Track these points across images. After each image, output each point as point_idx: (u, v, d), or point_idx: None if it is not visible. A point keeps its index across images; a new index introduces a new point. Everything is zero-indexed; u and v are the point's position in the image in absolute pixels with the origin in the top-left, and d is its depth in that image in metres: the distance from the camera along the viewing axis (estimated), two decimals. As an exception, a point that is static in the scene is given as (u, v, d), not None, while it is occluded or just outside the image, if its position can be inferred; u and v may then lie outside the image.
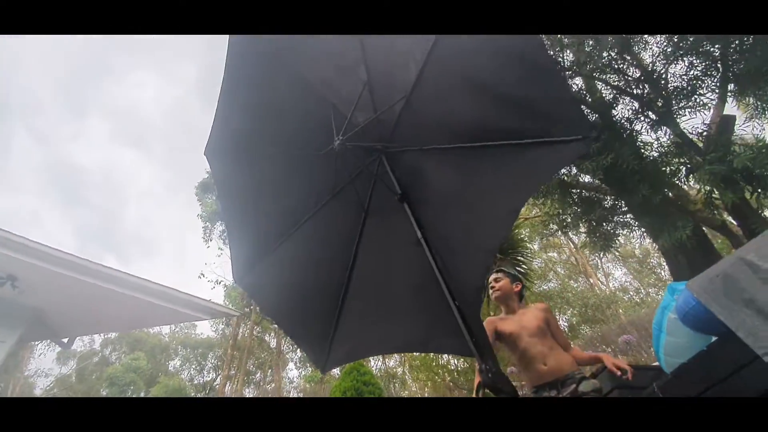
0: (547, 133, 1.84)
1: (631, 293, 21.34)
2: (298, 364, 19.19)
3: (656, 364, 2.37)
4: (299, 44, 2.86)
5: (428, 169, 2.62)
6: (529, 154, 1.88)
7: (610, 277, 23.01)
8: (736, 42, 3.05)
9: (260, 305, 3.62)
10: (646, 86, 3.57)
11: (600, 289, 20.65)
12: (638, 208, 3.42)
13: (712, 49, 3.11)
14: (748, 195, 2.96)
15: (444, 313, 2.04)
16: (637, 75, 3.89)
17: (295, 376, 21.80)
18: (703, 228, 3.53)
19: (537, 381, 2.10)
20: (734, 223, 3.42)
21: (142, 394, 17.29)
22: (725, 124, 3.91)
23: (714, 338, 1.61)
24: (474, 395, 2.03)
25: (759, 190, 2.68)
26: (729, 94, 3.32)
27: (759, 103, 3.17)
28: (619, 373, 1.88)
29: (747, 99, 3.32)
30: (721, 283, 1.35)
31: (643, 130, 3.71)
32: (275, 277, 3.10)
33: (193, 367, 25.62)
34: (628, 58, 3.68)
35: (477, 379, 2.09)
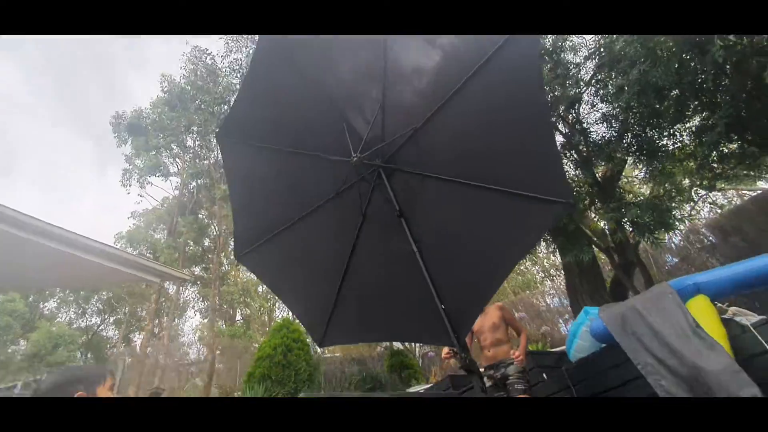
0: (538, 190, 2.45)
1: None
2: (204, 313, 18.71)
3: (558, 349, 3.45)
4: (324, 50, 3.15)
5: (426, 193, 3.14)
6: (521, 206, 2.50)
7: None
8: (644, 121, 4.19)
9: (263, 281, 3.95)
10: (575, 132, 4.62)
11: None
12: (554, 230, 4.55)
13: (631, 121, 4.23)
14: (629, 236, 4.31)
15: (429, 312, 2.72)
16: (570, 119, 4.94)
17: (197, 324, 21.24)
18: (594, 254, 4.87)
19: (484, 363, 2.97)
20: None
21: (21, 342, 15.40)
22: (618, 168, 5.21)
23: (603, 345, 2.60)
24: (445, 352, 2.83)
25: (640, 235, 3.92)
26: (629, 158, 4.57)
27: (649, 172, 4.43)
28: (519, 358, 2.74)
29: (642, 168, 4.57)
30: (621, 320, 2.28)
31: (567, 167, 4.81)
32: (277, 258, 3.49)
33: (72, 310, 23.23)
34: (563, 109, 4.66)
35: (447, 354, 2.85)
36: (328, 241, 3.47)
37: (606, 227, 4.46)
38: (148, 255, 18.04)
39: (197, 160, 14.69)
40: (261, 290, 25.04)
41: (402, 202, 3.14)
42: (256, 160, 3.58)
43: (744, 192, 6.59)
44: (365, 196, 3.33)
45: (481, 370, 3.04)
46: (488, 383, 2.76)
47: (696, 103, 4.12)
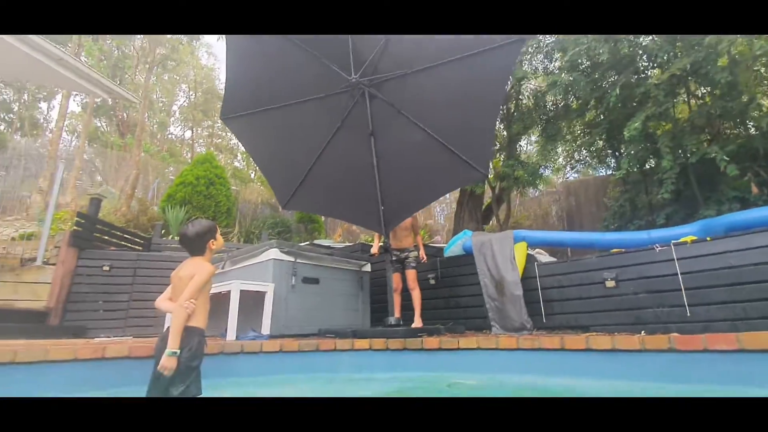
0: (471, 158, 3.64)
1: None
2: (83, 104, 16.37)
3: (437, 245, 5.25)
4: None
5: (395, 125, 4.04)
6: (456, 162, 3.69)
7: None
8: (555, 107, 5.58)
9: (244, 144, 4.54)
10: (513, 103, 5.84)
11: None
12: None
13: (546, 104, 5.57)
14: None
15: (371, 207, 4.00)
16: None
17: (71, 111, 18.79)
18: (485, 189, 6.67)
19: (394, 246, 4.49)
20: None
21: None
22: (524, 133, 6.74)
23: (464, 253, 4.34)
24: (374, 250, 4.34)
25: (517, 187, 5.67)
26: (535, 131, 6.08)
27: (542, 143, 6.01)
28: (423, 258, 4.43)
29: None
30: (480, 245, 3.94)
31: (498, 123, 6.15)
32: (262, 129, 4.23)
33: None
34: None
35: (377, 242, 4.34)
36: (308, 129, 4.26)
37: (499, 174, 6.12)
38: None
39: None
40: (160, 103, 22.77)
41: (375, 123, 4.08)
42: (259, 36, 3.89)
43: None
44: (348, 107, 4.12)
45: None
46: (393, 258, 4.31)
47: (594, 104, 5.56)
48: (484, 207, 7.12)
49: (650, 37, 4.83)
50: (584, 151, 6.41)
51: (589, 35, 4.38)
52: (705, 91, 4.66)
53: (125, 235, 6.00)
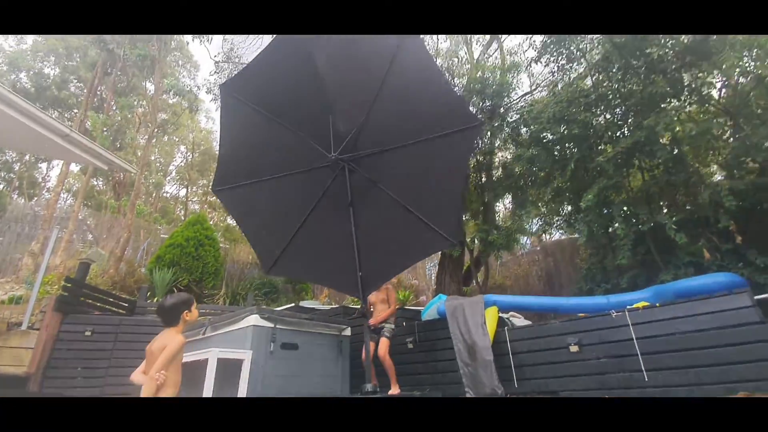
0: (443, 229, 3.96)
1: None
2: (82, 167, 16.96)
3: (415, 308, 5.41)
4: (334, 55, 4.01)
5: (372, 196, 4.39)
6: (429, 233, 4.00)
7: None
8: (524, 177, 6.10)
9: (232, 213, 4.87)
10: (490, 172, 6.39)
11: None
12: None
13: (517, 175, 6.15)
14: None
15: (350, 273, 4.19)
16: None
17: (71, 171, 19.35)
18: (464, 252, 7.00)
19: (373, 323, 4.60)
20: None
21: None
22: (498, 198, 7.22)
23: (438, 317, 4.50)
24: (355, 316, 4.46)
25: (492, 251, 6.04)
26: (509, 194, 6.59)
27: (515, 207, 6.51)
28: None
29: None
30: (453, 309, 4.13)
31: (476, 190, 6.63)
32: (249, 200, 4.52)
33: None
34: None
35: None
36: (292, 200, 4.59)
37: (476, 238, 6.48)
38: (30, 90, 15.65)
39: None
40: (158, 163, 23.63)
41: (353, 194, 4.41)
42: (249, 118, 4.40)
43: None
44: (328, 179, 4.47)
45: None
46: (371, 327, 4.43)
47: (558, 172, 6.04)
48: (464, 269, 7.37)
49: (601, 117, 5.43)
50: (555, 216, 6.86)
51: (546, 114, 4.95)
52: (654, 163, 5.17)
53: (110, 299, 6.05)
